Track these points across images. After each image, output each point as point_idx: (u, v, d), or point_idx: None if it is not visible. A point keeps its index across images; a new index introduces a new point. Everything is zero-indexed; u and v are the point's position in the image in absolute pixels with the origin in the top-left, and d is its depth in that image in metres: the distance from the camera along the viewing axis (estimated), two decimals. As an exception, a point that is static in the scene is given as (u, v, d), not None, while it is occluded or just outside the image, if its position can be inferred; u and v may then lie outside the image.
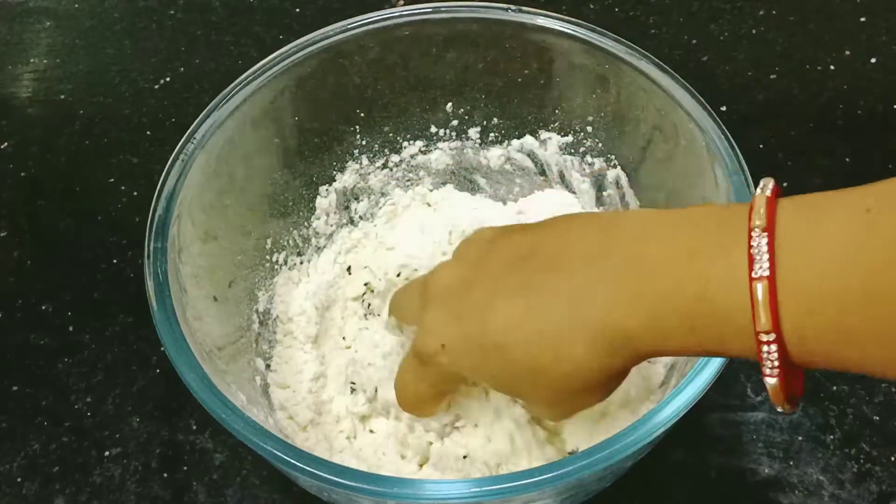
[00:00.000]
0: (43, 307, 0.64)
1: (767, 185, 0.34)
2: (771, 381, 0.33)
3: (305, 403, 0.54)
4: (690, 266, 0.35)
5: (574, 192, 0.61)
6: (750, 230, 0.33)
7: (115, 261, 0.66)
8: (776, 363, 0.33)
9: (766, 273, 0.32)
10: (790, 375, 0.34)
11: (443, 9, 0.55)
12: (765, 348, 0.32)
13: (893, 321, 0.30)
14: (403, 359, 0.48)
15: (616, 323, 0.36)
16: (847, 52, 0.74)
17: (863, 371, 0.32)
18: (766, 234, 0.32)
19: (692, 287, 0.34)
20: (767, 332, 0.32)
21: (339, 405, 0.54)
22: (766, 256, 0.32)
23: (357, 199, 0.62)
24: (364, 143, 0.60)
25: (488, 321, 0.40)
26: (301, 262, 0.60)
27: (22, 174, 0.72)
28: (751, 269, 0.32)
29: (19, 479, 0.57)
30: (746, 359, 0.34)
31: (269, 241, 0.58)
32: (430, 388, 0.46)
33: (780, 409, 0.35)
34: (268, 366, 0.55)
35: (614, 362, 0.38)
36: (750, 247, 0.32)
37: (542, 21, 0.55)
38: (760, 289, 0.32)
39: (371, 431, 0.52)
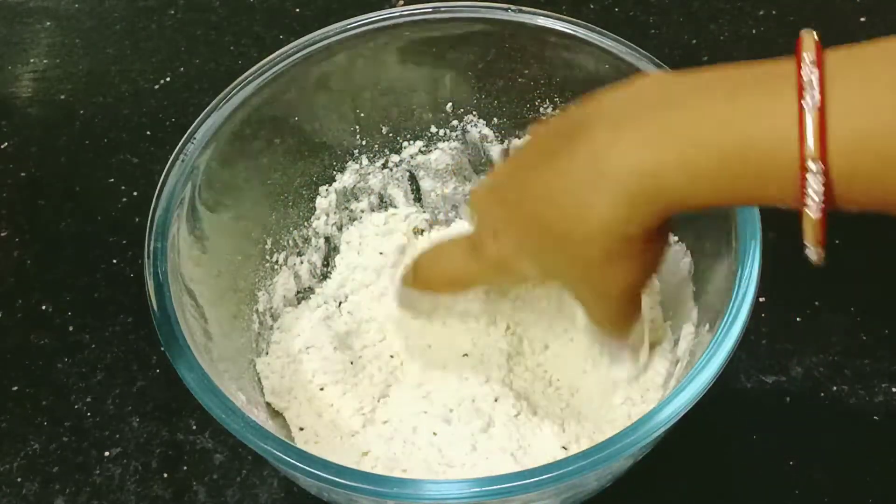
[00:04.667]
0: (43, 307, 0.64)
1: (811, 33, 0.33)
2: (814, 217, 0.32)
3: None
4: (729, 102, 0.33)
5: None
6: (799, 64, 0.32)
7: (115, 261, 0.66)
8: (821, 196, 0.32)
9: (818, 103, 0.31)
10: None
11: (443, 9, 0.55)
12: (810, 180, 0.31)
13: None
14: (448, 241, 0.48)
15: (639, 166, 0.35)
16: (847, 52, 0.74)
17: None
18: (816, 67, 0.32)
19: (732, 122, 0.33)
20: (815, 160, 0.31)
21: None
22: (818, 86, 0.31)
23: (357, 199, 0.62)
24: (364, 143, 0.60)
25: (525, 194, 0.40)
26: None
27: (22, 174, 0.72)
28: (801, 97, 0.31)
29: (19, 479, 0.57)
30: (782, 204, 0.33)
31: (269, 241, 0.58)
32: (476, 271, 0.45)
33: (813, 256, 0.34)
34: (269, 365, 0.55)
35: (640, 215, 0.36)
36: (800, 77, 0.32)
37: (542, 21, 0.55)
38: (810, 119, 0.31)
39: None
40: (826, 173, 0.31)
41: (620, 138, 0.35)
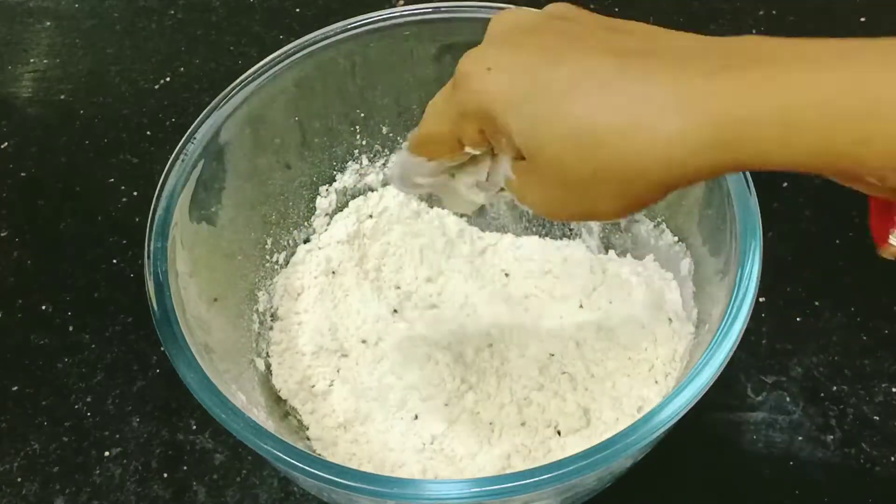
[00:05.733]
0: (43, 307, 0.64)
1: None
2: None
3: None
4: (846, 69, 0.30)
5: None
6: None
7: (115, 261, 0.66)
8: None
9: None
10: None
11: (443, 9, 0.55)
12: None
13: None
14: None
15: (731, 109, 0.31)
16: (847, 52, 0.74)
17: None
18: None
19: (845, 83, 0.30)
20: None
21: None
22: None
23: (357, 199, 0.62)
24: (364, 143, 0.60)
25: (560, 65, 0.34)
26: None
27: (22, 174, 0.72)
28: None
29: (19, 479, 0.57)
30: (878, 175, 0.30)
31: (269, 241, 0.58)
32: (450, 120, 0.39)
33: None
34: (268, 365, 0.55)
35: (700, 161, 0.31)
36: None
37: (542, 21, 0.54)
38: None
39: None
40: None
41: (716, 78, 0.32)
